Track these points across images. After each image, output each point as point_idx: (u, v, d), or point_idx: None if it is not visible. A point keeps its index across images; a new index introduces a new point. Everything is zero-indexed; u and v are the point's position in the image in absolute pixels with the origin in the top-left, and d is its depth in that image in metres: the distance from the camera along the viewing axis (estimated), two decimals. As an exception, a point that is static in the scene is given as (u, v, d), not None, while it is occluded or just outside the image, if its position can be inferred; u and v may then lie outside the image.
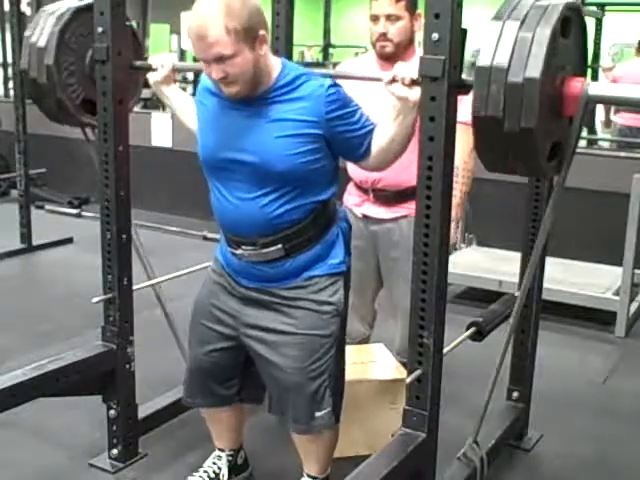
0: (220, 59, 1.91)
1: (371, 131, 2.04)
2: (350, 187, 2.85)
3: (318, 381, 2.14)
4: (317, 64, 7.89)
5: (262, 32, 1.95)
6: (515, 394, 2.81)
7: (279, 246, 2.08)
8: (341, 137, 2.03)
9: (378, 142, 2.04)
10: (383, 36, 2.59)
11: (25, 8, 7.53)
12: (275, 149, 2.00)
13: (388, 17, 2.58)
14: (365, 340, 3.01)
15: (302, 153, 2.01)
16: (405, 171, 2.46)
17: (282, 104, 2.02)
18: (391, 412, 2.59)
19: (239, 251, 2.13)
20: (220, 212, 2.16)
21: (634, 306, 4.15)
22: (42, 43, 2.58)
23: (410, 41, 2.63)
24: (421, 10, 2.60)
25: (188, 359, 2.38)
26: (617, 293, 4.06)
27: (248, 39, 1.91)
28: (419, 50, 2.62)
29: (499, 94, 1.65)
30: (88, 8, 2.49)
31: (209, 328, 2.26)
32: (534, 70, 1.62)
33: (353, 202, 2.80)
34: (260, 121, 2.03)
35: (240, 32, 1.89)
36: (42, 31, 2.60)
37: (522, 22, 1.67)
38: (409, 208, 2.67)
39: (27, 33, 2.67)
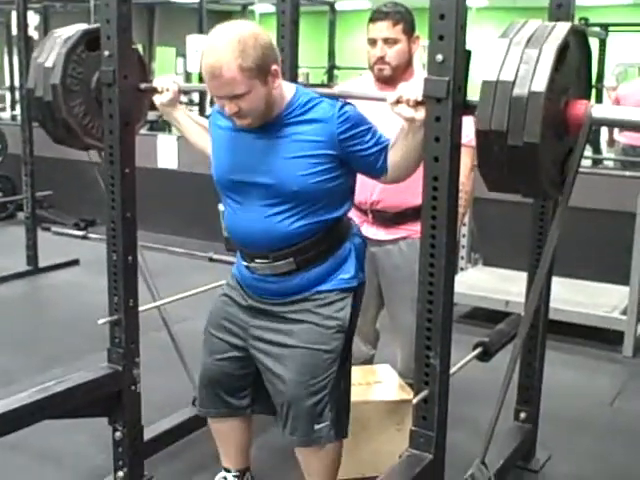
0: (234, 97, 1.95)
1: (385, 148, 2.07)
2: None
3: (318, 395, 2.15)
4: (322, 85, 7.94)
5: (274, 67, 1.99)
6: (523, 415, 2.79)
7: (290, 259, 2.12)
8: (356, 156, 2.07)
9: (393, 159, 2.07)
10: (381, 59, 2.62)
11: (32, 32, 7.60)
12: (289, 170, 2.04)
13: (386, 40, 2.60)
14: (368, 361, 3.00)
15: (316, 173, 2.04)
16: (404, 192, 2.46)
17: (295, 126, 2.06)
18: (397, 433, 2.57)
19: (252, 264, 2.18)
20: (233, 227, 2.21)
21: (641, 326, 4.13)
22: (49, 63, 2.61)
23: (408, 63, 2.65)
24: (419, 32, 2.62)
25: (200, 368, 2.39)
26: (624, 312, 4.03)
27: (261, 75, 1.95)
28: (418, 71, 2.64)
29: (504, 108, 1.66)
30: (96, 32, 2.51)
31: (218, 338, 2.30)
32: (539, 84, 1.63)
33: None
34: (274, 143, 2.06)
35: (253, 69, 1.93)
36: (50, 52, 2.63)
37: (528, 40, 1.69)
38: (408, 229, 2.69)
39: (35, 54, 2.70)
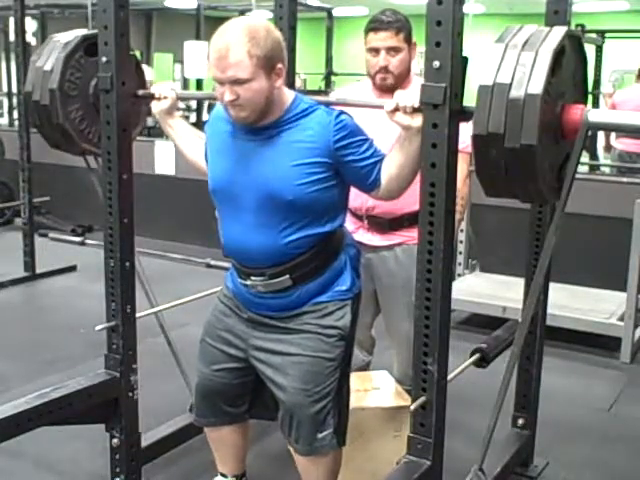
0: (236, 82, 1.94)
1: (380, 161, 2.06)
2: None
3: (321, 403, 2.15)
4: (319, 91, 7.94)
5: (280, 65, 1.99)
6: (520, 421, 2.79)
7: (286, 276, 2.11)
8: (349, 166, 2.05)
9: (387, 171, 2.05)
10: (384, 69, 2.60)
11: (30, 38, 7.61)
12: (285, 178, 2.03)
13: (389, 50, 2.58)
14: (365, 367, 2.99)
15: (312, 182, 2.03)
16: (400, 199, 2.47)
17: (291, 132, 2.05)
18: (395, 440, 2.57)
19: (248, 282, 2.16)
20: (229, 242, 2.19)
21: (639, 331, 4.14)
22: (48, 67, 2.61)
23: (408, 71, 2.64)
24: (415, 39, 2.62)
25: (196, 378, 2.38)
26: (622, 318, 4.04)
27: (266, 68, 1.95)
28: (414, 78, 2.64)
29: (501, 111, 1.66)
30: (95, 37, 2.51)
31: (217, 349, 2.28)
32: (536, 87, 1.64)
33: (347, 229, 2.79)
34: (270, 150, 2.06)
35: (261, 59, 1.93)
36: (49, 56, 2.64)
37: (524, 44, 1.69)
38: (404, 235, 2.69)
39: (34, 57, 2.70)
